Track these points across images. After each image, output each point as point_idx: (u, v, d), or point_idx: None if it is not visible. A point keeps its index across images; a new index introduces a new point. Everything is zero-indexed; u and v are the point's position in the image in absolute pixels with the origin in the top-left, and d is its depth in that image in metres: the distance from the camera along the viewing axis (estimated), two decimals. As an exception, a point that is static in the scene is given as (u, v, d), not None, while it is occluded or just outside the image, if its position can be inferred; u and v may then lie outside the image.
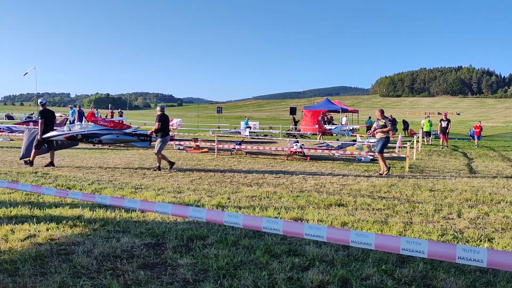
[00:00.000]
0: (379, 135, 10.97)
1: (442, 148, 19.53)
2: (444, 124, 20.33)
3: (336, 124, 30.91)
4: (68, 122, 23.40)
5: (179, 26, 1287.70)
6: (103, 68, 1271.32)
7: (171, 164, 10.42)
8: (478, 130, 23.13)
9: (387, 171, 10.59)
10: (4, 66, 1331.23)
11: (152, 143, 11.60)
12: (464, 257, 2.14)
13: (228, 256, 4.10)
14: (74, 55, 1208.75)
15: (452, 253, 2.18)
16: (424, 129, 22.95)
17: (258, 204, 6.53)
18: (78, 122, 22.40)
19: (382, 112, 11.33)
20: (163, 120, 10.42)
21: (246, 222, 2.83)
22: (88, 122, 21.55)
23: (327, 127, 27.00)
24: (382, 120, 10.99)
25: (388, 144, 11.87)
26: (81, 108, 23.37)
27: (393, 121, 30.19)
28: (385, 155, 12.97)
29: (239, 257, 4.09)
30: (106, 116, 36.27)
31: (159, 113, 10.53)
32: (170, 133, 11.54)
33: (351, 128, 30.27)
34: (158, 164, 10.35)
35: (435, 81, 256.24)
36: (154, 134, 10.70)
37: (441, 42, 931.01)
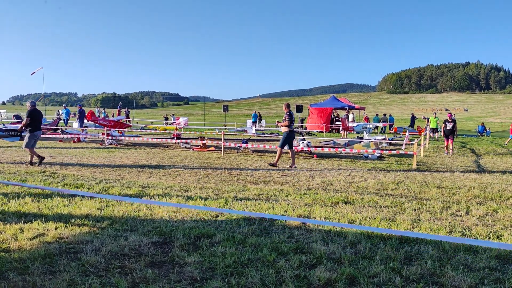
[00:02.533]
0: (282, 129, 11.25)
1: (447, 154, 15.56)
2: (449, 126, 16.07)
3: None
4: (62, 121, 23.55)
5: (184, 25, 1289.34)
6: (109, 67, 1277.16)
7: (41, 159, 10.52)
8: None
9: (273, 164, 10.89)
10: (12, 67, 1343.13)
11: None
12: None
13: (236, 254, 4.11)
14: (81, 55, 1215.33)
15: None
16: (431, 126, 23.11)
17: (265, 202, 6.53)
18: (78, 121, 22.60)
19: (287, 106, 11.43)
20: (33, 115, 10.58)
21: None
22: (88, 121, 21.70)
23: (350, 124, 27.12)
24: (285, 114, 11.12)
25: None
26: (82, 108, 23.46)
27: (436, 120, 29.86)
28: (393, 152, 12.91)
29: (246, 255, 4.09)
30: (113, 115, 36.50)
31: (29, 108, 10.68)
32: (177, 132, 11.60)
33: (374, 126, 30.47)
34: (30, 159, 10.61)
35: (443, 78, 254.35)
36: (24, 129, 10.83)
37: (448, 38, 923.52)
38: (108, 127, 18.82)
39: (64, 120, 23.57)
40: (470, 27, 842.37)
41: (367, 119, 34.56)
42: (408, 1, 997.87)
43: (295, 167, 10.86)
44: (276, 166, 10.88)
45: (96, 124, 22.06)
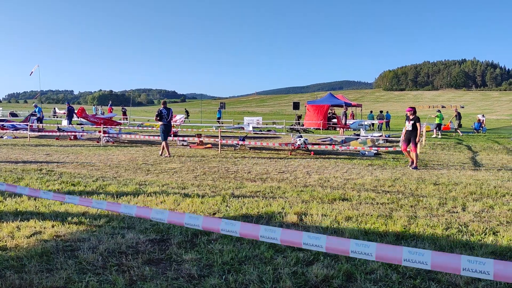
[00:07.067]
0: (159, 124, 12.61)
1: (410, 166, 10.53)
2: (408, 125, 10.66)
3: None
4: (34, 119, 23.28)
5: (181, 23, 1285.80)
6: (106, 65, 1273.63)
7: None
8: None
9: (168, 156, 12.20)
10: (8, 65, 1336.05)
11: None
12: (469, 269, 2.09)
13: (233, 251, 4.12)
14: (77, 52, 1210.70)
15: (457, 264, 2.13)
16: (436, 122, 23.63)
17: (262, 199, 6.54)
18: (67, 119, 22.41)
19: (163, 103, 12.64)
20: None
21: (243, 231, 2.80)
22: (79, 118, 21.50)
23: (349, 122, 27.15)
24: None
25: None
26: (70, 105, 23.27)
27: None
28: (390, 149, 12.95)
29: (243, 252, 4.10)
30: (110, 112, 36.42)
31: None
32: (174, 129, 11.78)
33: (371, 123, 30.54)
34: None
35: (439, 74, 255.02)
36: None
37: (444, 35, 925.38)
38: (99, 124, 18.71)
39: (38, 117, 23.29)
40: (466, 24, 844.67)
41: (352, 116, 34.30)
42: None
43: (168, 156, 12.21)
44: (170, 156, 12.23)
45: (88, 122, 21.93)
